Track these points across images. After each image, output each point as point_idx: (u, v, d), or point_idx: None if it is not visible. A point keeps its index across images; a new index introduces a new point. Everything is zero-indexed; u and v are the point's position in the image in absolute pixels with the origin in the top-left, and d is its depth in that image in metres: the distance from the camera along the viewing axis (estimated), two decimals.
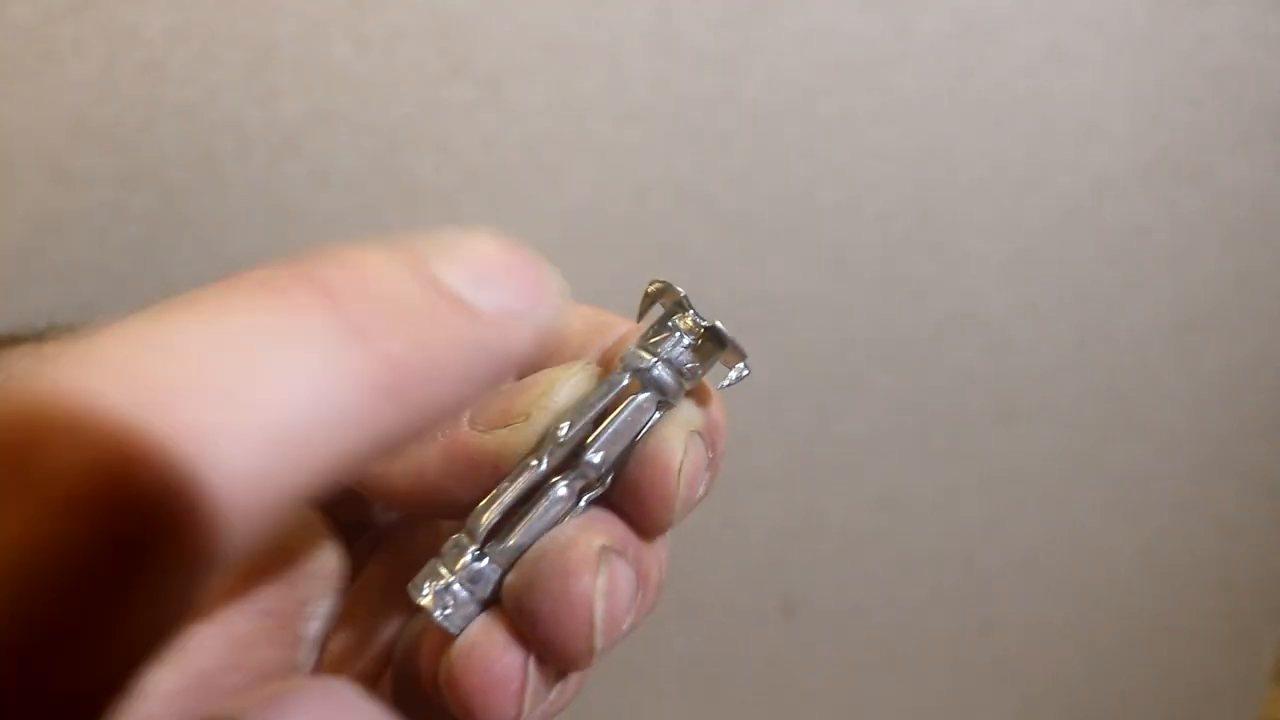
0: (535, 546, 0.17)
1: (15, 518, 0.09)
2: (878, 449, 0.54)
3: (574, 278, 0.51)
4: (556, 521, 0.17)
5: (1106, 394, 0.55)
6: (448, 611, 0.16)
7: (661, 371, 0.17)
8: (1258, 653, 0.63)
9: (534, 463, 0.17)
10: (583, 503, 0.17)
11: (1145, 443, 0.57)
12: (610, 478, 0.17)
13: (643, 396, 0.17)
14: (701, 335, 0.17)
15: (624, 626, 0.17)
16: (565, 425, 0.16)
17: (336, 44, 0.44)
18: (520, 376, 0.18)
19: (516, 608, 0.17)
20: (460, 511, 0.17)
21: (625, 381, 0.17)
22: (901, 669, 0.58)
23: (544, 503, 0.17)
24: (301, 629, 0.18)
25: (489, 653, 0.16)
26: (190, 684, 0.17)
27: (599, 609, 0.16)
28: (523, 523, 0.17)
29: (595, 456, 0.16)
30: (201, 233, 0.45)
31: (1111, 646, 0.60)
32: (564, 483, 0.17)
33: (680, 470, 0.17)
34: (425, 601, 0.16)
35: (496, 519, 0.16)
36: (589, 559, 0.16)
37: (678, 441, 0.17)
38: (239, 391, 0.11)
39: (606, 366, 0.17)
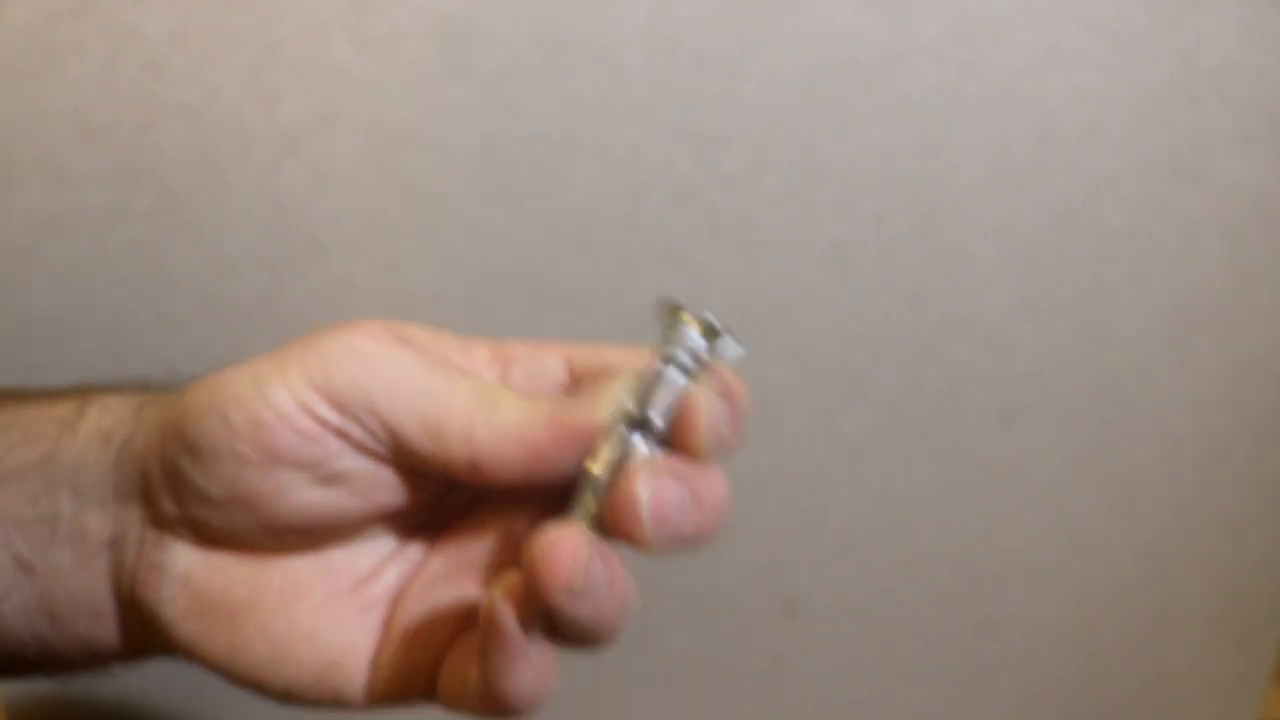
0: None
1: None
2: (878, 449, 0.54)
3: (574, 278, 0.51)
4: None
5: (1106, 394, 0.55)
6: (580, 520, 0.24)
7: (683, 356, 0.25)
8: (1258, 653, 0.63)
9: (621, 428, 0.24)
10: (651, 446, 0.24)
11: (1145, 443, 0.57)
12: (668, 431, 0.25)
13: (675, 373, 0.24)
14: (702, 326, 0.25)
15: (680, 528, 0.23)
16: (632, 402, 0.24)
17: (336, 44, 0.44)
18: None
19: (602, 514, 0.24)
20: (552, 479, 0.24)
21: (660, 366, 0.25)
22: (901, 669, 0.58)
23: (631, 454, 0.24)
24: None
25: (562, 536, 0.23)
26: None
27: (644, 500, 0.23)
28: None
29: (656, 418, 0.24)
30: (201, 233, 0.45)
31: (1111, 646, 0.60)
32: (638, 438, 0.24)
33: (703, 413, 0.24)
34: (579, 521, 0.24)
35: (605, 471, 0.24)
36: (640, 473, 0.23)
37: (699, 395, 0.24)
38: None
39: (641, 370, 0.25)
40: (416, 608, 0.26)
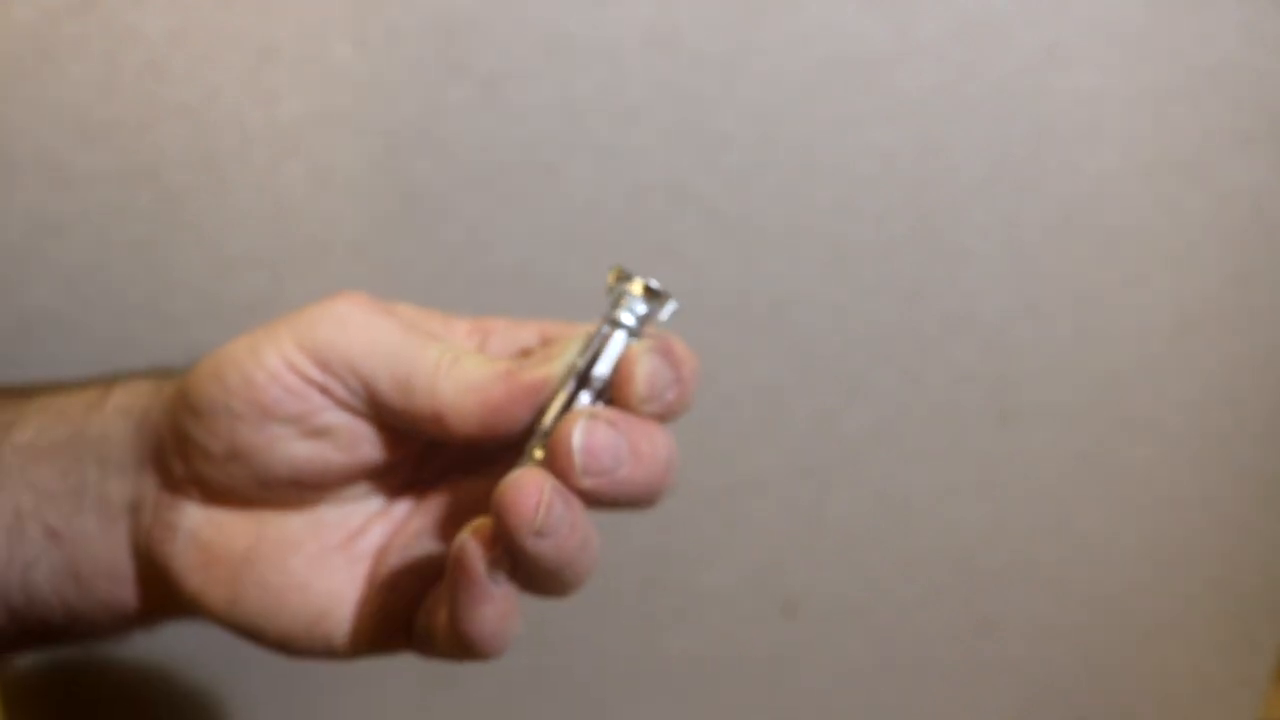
0: None
1: None
2: (878, 449, 0.54)
3: (574, 277, 0.51)
4: None
5: (1106, 394, 0.55)
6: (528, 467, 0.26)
7: (624, 317, 0.27)
8: (1258, 653, 0.63)
9: (569, 384, 0.26)
10: (597, 404, 0.26)
11: (1145, 443, 0.57)
12: (610, 387, 0.26)
13: (618, 333, 0.26)
14: (644, 289, 0.27)
15: (613, 473, 0.25)
16: (580, 359, 0.26)
17: (336, 44, 0.44)
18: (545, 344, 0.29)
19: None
20: (510, 432, 0.26)
21: (605, 329, 0.27)
22: (901, 669, 0.58)
23: (575, 406, 0.26)
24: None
25: (525, 475, 0.24)
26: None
27: (576, 440, 0.24)
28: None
29: (600, 371, 0.26)
30: (201, 233, 0.45)
31: (1111, 646, 0.60)
32: (585, 393, 0.26)
33: (640, 366, 0.26)
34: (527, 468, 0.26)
35: (552, 421, 0.26)
36: (577, 418, 0.25)
37: (638, 351, 0.26)
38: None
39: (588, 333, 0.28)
40: (396, 560, 0.29)
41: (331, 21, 0.44)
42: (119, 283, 0.45)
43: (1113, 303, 0.53)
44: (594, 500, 0.25)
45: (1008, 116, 0.49)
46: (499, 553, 0.25)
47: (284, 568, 0.29)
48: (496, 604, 0.25)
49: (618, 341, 0.26)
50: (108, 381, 0.32)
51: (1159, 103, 0.50)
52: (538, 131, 0.46)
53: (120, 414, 0.30)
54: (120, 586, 0.30)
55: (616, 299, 0.27)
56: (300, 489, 0.28)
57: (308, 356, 0.27)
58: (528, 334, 0.29)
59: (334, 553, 0.29)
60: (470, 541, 0.25)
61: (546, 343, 0.29)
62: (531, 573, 0.25)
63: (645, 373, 0.26)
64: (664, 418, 0.26)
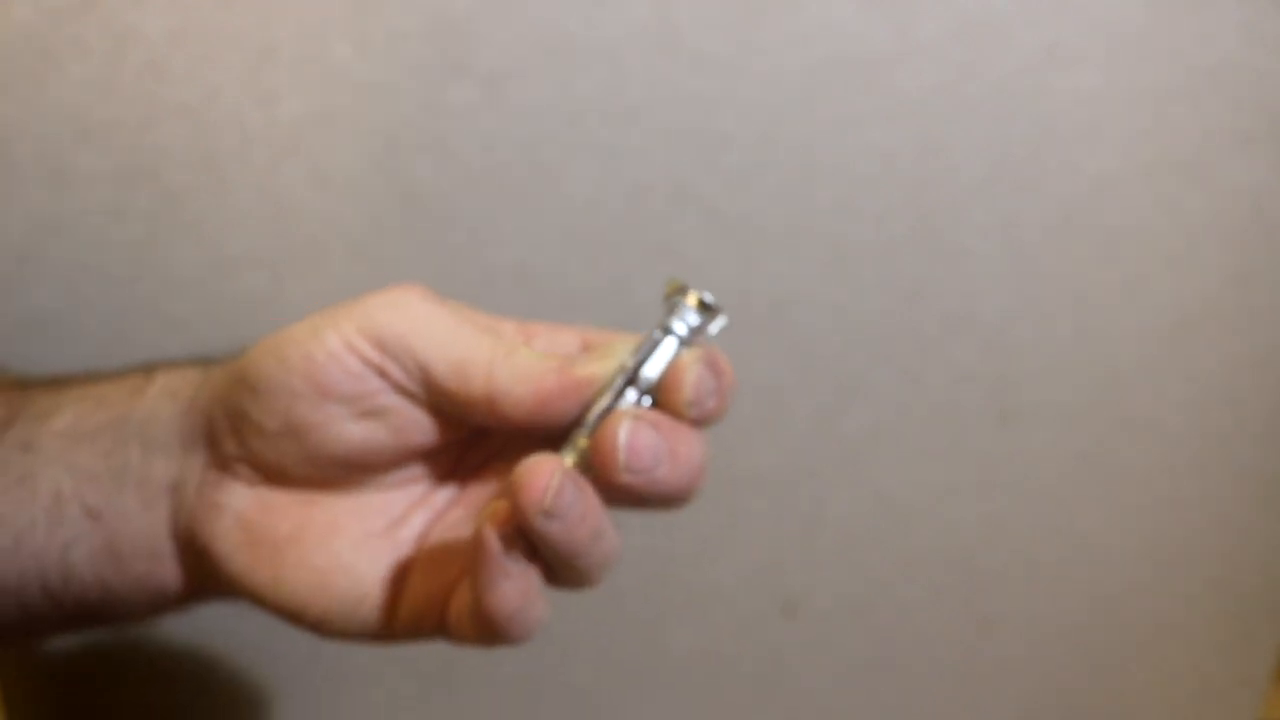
0: None
1: None
2: (878, 449, 0.54)
3: (574, 277, 0.51)
4: None
5: (1106, 394, 0.55)
6: (571, 459, 0.28)
7: (677, 326, 0.28)
8: (1258, 653, 0.63)
9: (617, 380, 0.27)
10: (643, 402, 0.28)
11: (1145, 443, 0.57)
12: (657, 391, 0.28)
13: (670, 339, 0.28)
14: (698, 302, 0.28)
15: (653, 473, 0.26)
16: (630, 360, 0.28)
17: (336, 44, 0.44)
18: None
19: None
20: (557, 424, 0.27)
21: (658, 335, 0.28)
22: (901, 669, 0.58)
23: (621, 404, 0.27)
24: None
25: (540, 458, 0.26)
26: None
27: (622, 438, 0.26)
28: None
29: (648, 373, 0.27)
30: (201, 233, 0.45)
31: (1111, 646, 0.60)
32: (631, 391, 0.27)
33: (689, 373, 0.27)
34: (568, 460, 0.27)
35: (597, 416, 0.27)
36: (623, 416, 0.26)
37: (688, 359, 0.27)
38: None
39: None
40: (435, 547, 0.30)
41: (331, 21, 0.44)
42: (119, 283, 0.45)
43: (1113, 303, 0.53)
44: (630, 495, 0.26)
45: (1008, 116, 0.49)
46: (513, 530, 0.26)
47: (329, 549, 0.30)
48: (514, 581, 0.26)
49: (669, 347, 0.28)
50: (147, 369, 0.33)
51: (1159, 103, 0.50)
52: (538, 131, 0.46)
53: (167, 396, 0.31)
54: (159, 565, 0.31)
55: (671, 308, 0.28)
56: (349, 469, 0.29)
57: (367, 339, 0.28)
58: (568, 338, 0.30)
59: (376, 538, 0.30)
60: (487, 522, 0.26)
61: (587, 347, 0.30)
62: (546, 556, 0.26)
63: (693, 379, 0.27)
64: (701, 424, 0.27)
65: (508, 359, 0.27)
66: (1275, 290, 0.55)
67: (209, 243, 0.45)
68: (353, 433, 0.28)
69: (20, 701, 0.49)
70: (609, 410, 0.27)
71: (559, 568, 0.27)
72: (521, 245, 0.48)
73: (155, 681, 0.51)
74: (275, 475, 0.30)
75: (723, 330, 0.28)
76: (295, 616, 0.30)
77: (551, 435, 0.28)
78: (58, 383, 0.34)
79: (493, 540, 0.26)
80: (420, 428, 0.29)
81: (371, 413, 0.28)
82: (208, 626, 0.49)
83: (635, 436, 0.26)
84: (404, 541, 0.30)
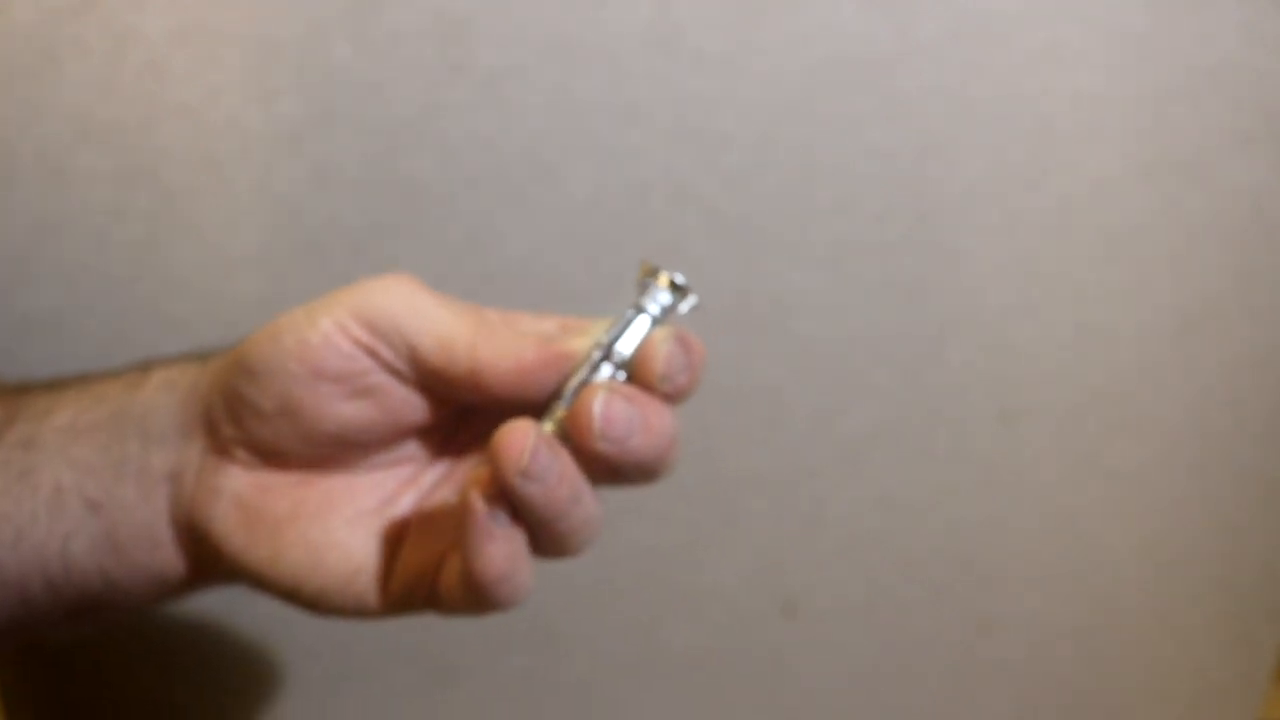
0: None
1: None
2: (878, 449, 0.54)
3: (574, 277, 0.51)
4: None
5: (1106, 394, 0.55)
6: (549, 428, 0.29)
7: (650, 305, 0.30)
8: (1258, 653, 0.63)
9: (593, 355, 0.29)
10: (618, 376, 0.29)
11: (1145, 443, 0.57)
12: (632, 366, 0.29)
13: (643, 317, 0.29)
14: (669, 283, 0.30)
15: (626, 441, 0.27)
16: (606, 337, 0.29)
17: (336, 44, 0.44)
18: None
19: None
20: (536, 398, 0.29)
21: (631, 313, 0.29)
22: (901, 669, 0.58)
23: (597, 377, 0.29)
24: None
25: (516, 422, 0.27)
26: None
27: (597, 409, 0.27)
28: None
29: (623, 349, 0.29)
30: (201, 233, 0.45)
31: (1111, 646, 0.60)
32: (606, 365, 0.29)
33: (661, 349, 0.29)
34: (546, 428, 0.29)
35: (574, 388, 0.29)
36: (599, 389, 0.28)
37: (660, 336, 0.29)
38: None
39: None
40: (424, 524, 0.31)
41: (331, 21, 0.44)
42: (119, 283, 0.45)
43: (1113, 303, 0.53)
44: (605, 464, 0.28)
45: (1008, 116, 0.49)
46: (495, 492, 0.27)
47: (324, 527, 0.31)
48: (500, 544, 0.28)
49: (642, 325, 0.29)
50: (143, 365, 0.34)
51: (1159, 103, 0.50)
52: (538, 131, 0.46)
53: (164, 388, 0.32)
54: (159, 552, 0.32)
55: (644, 289, 0.30)
56: (342, 448, 0.31)
57: (358, 322, 0.29)
58: (549, 325, 0.32)
59: (370, 515, 0.32)
60: (471, 485, 0.28)
61: (565, 330, 0.32)
62: (527, 520, 0.28)
63: (665, 354, 0.29)
64: (673, 398, 0.29)
65: (490, 336, 0.29)
66: (1275, 290, 0.55)
67: (209, 243, 0.45)
68: (345, 411, 0.30)
69: (20, 700, 0.50)
70: (585, 383, 0.29)
71: (541, 532, 0.28)
72: (521, 245, 0.48)
73: (157, 678, 0.51)
74: (272, 457, 0.31)
75: (693, 309, 0.30)
76: (292, 593, 0.31)
77: (532, 411, 0.29)
78: (54, 384, 0.35)
79: (478, 502, 0.27)
80: (409, 406, 0.30)
81: (363, 391, 0.30)
82: (209, 623, 0.49)
83: (610, 407, 0.27)
84: (395, 518, 0.32)
